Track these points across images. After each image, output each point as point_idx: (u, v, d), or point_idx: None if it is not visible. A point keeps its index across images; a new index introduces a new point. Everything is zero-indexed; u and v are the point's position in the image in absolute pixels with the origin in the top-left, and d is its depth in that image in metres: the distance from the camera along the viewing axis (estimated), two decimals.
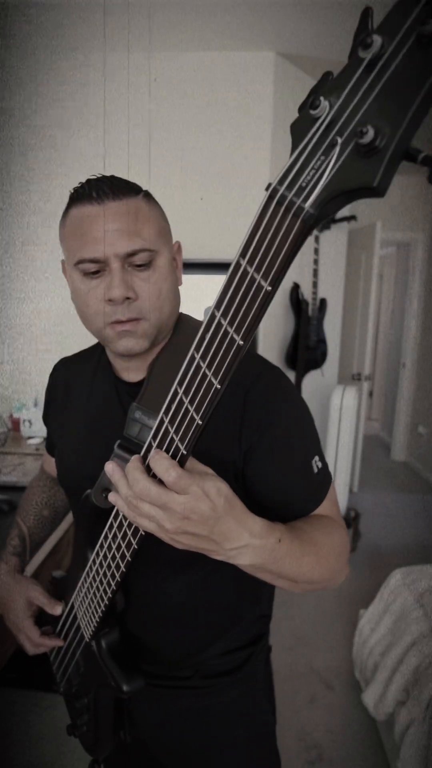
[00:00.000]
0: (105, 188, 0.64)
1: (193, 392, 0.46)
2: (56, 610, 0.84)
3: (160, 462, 0.48)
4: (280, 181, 0.38)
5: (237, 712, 0.86)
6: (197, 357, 0.45)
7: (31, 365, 2.75)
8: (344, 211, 3.21)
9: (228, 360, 0.43)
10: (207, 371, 0.44)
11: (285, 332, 2.96)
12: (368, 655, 1.87)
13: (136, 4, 2.09)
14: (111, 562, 0.65)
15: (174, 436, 0.48)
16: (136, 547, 0.60)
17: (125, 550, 0.61)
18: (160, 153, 2.53)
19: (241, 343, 0.42)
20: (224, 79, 2.54)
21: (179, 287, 0.75)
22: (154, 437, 0.50)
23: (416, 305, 4.78)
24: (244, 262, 0.40)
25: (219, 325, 0.42)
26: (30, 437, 2.44)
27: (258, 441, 0.69)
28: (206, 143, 2.58)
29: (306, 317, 2.87)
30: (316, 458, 0.72)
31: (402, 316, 5.01)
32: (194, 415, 0.46)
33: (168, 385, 0.54)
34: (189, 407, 0.46)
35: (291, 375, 2.92)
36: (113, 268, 0.64)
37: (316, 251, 2.84)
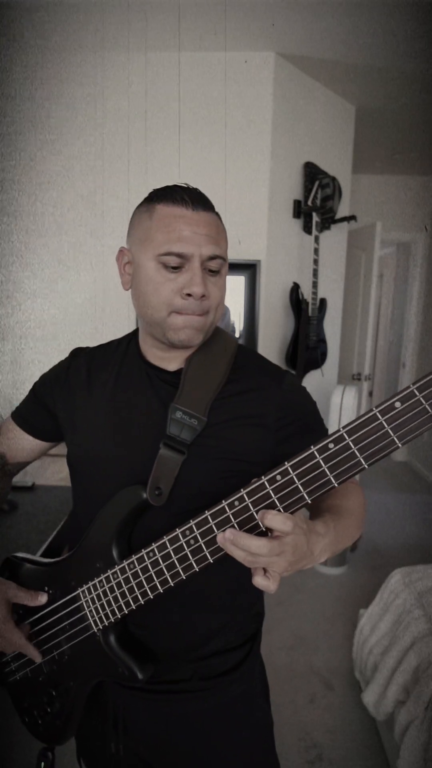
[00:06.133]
0: (196, 197, 0.74)
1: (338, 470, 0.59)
2: (41, 599, 0.80)
3: (276, 517, 0.58)
4: None
5: (238, 712, 0.85)
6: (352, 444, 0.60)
7: (31, 365, 2.75)
8: (344, 211, 3.21)
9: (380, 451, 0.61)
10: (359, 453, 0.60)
11: (285, 332, 2.96)
12: (368, 655, 1.87)
13: (135, 4, 2.09)
14: (177, 563, 0.68)
15: (300, 489, 0.60)
16: (211, 561, 0.66)
17: (204, 557, 0.66)
18: (159, 153, 2.53)
19: (399, 445, 0.59)
20: (224, 80, 2.54)
21: None
22: (276, 490, 0.61)
23: (416, 305, 4.78)
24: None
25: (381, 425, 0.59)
26: None
27: (290, 426, 0.80)
28: (206, 143, 2.58)
29: (306, 317, 2.86)
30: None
31: (402, 316, 5.01)
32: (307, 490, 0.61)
33: (200, 385, 0.76)
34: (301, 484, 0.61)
35: None
36: (194, 267, 0.72)
37: (316, 251, 2.83)
